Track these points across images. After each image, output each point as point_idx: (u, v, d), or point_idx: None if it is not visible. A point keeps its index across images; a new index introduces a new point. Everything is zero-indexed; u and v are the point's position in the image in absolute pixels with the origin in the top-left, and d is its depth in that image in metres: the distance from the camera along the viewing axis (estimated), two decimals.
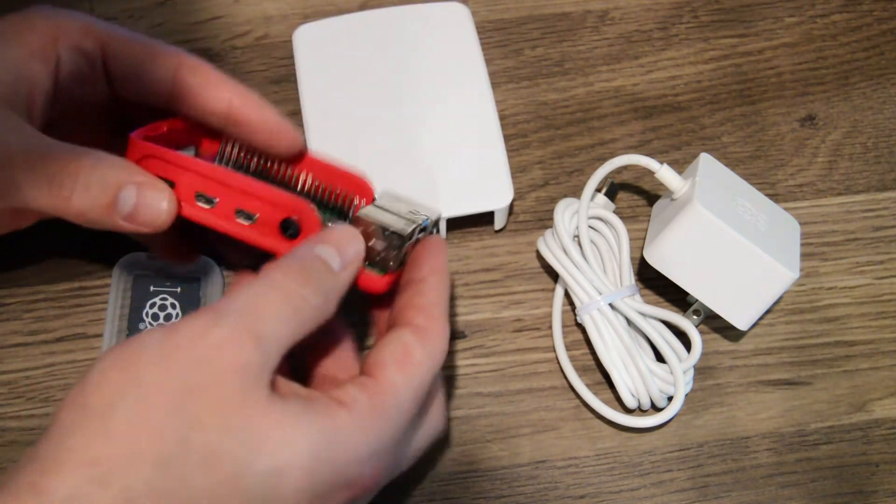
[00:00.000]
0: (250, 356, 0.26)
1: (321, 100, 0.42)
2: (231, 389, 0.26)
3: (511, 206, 0.42)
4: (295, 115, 0.44)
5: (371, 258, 0.32)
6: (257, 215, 0.33)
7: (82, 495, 0.24)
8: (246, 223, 0.33)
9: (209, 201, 0.33)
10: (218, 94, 0.34)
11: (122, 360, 0.26)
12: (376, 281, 0.33)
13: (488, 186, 0.41)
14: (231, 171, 0.34)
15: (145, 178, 0.32)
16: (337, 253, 0.30)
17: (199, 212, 0.33)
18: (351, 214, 0.35)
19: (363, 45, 0.43)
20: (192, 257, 0.39)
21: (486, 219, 0.42)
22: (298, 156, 0.36)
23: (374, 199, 0.35)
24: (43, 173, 0.31)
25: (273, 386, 0.27)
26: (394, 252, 0.32)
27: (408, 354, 0.30)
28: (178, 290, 0.40)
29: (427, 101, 0.42)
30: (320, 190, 0.36)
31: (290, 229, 0.33)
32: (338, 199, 0.36)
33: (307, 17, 0.46)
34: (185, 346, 0.26)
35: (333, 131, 0.41)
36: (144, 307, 0.40)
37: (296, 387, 0.29)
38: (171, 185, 0.33)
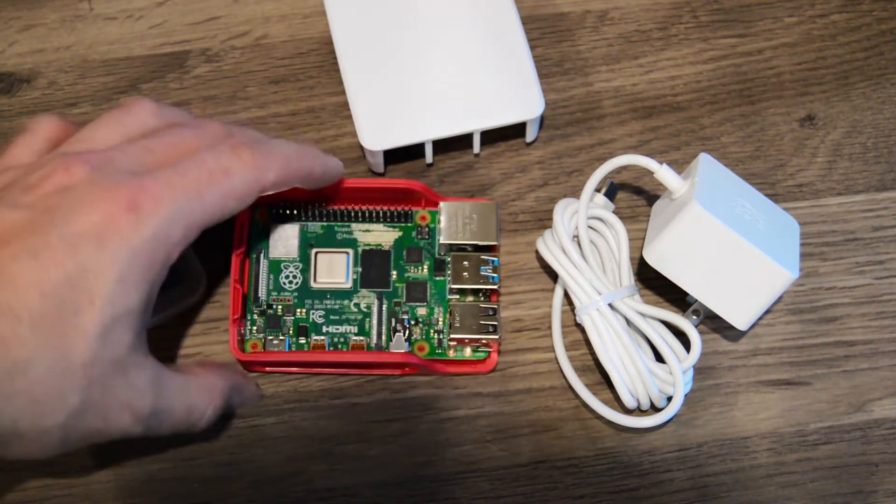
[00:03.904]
0: None
1: (350, 33, 0.42)
2: None
3: (542, 119, 0.43)
4: (295, 114, 0.44)
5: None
6: None
7: None
8: None
9: None
10: None
11: None
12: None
13: (518, 98, 0.41)
14: None
15: (243, 380, 0.38)
16: None
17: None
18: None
19: None
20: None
21: (517, 132, 0.43)
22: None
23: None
24: (184, 399, 0.34)
25: None
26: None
27: None
28: None
29: (450, 20, 0.42)
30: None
31: None
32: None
33: (307, 17, 0.46)
34: None
35: (364, 61, 0.41)
36: None
37: None
38: None
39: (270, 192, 0.35)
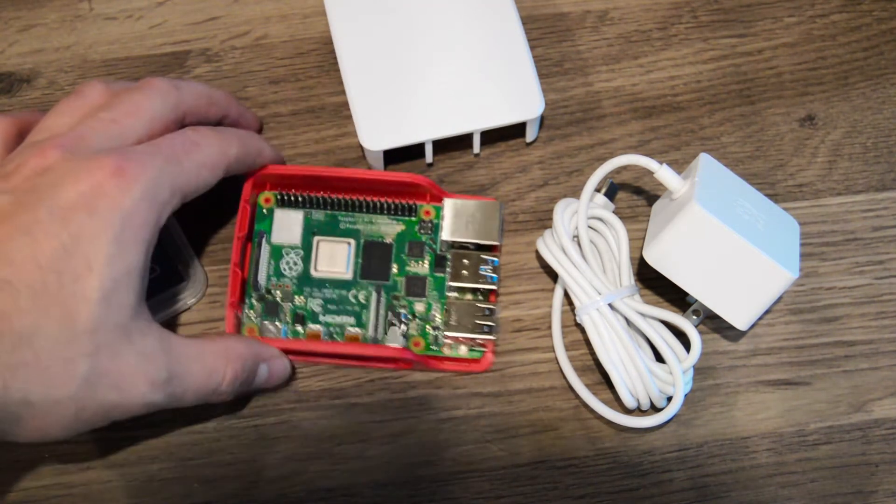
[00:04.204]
0: None
1: (350, 33, 0.42)
2: None
3: (542, 119, 0.43)
4: (295, 114, 0.44)
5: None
6: None
7: None
8: None
9: None
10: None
11: None
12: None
13: (518, 98, 0.41)
14: None
15: (271, 351, 0.38)
16: None
17: None
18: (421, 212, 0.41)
19: None
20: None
21: (517, 132, 0.43)
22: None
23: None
24: (199, 361, 0.34)
25: None
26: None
27: None
28: None
29: (450, 20, 0.42)
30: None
31: None
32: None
33: (307, 17, 0.46)
34: None
35: (364, 61, 0.41)
36: None
37: None
38: None
39: (232, 172, 0.37)
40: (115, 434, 0.39)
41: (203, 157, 0.34)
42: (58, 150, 0.32)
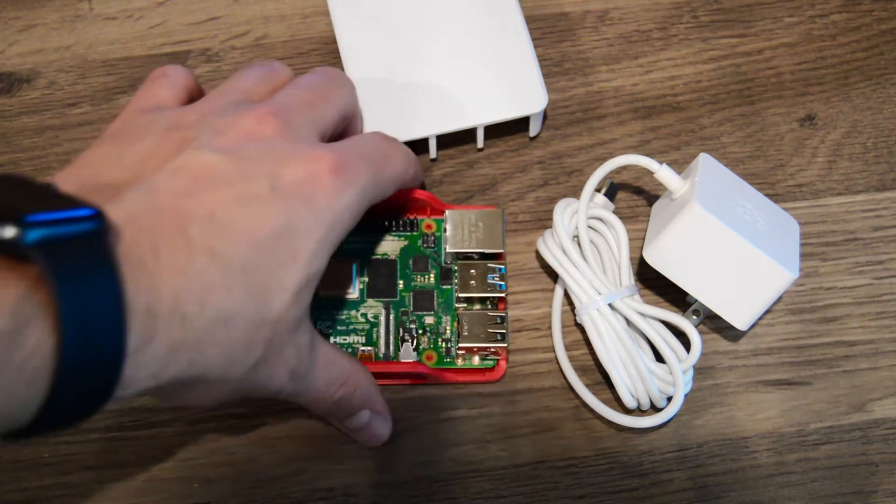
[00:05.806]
0: None
1: (354, 30, 0.42)
2: None
3: (545, 113, 0.43)
4: None
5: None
6: None
7: None
8: None
9: None
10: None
11: None
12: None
13: (521, 93, 0.41)
14: None
15: (383, 407, 0.37)
16: None
17: None
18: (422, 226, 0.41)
19: None
20: None
21: (520, 127, 0.43)
22: None
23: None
24: (326, 368, 0.33)
25: None
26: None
27: None
28: None
29: (453, 16, 0.42)
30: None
31: None
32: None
33: (307, 17, 0.46)
34: None
35: (367, 56, 0.41)
36: None
37: None
38: None
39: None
40: (115, 434, 0.39)
41: (392, 173, 0.34)
42: (275, 121, 0.31)
